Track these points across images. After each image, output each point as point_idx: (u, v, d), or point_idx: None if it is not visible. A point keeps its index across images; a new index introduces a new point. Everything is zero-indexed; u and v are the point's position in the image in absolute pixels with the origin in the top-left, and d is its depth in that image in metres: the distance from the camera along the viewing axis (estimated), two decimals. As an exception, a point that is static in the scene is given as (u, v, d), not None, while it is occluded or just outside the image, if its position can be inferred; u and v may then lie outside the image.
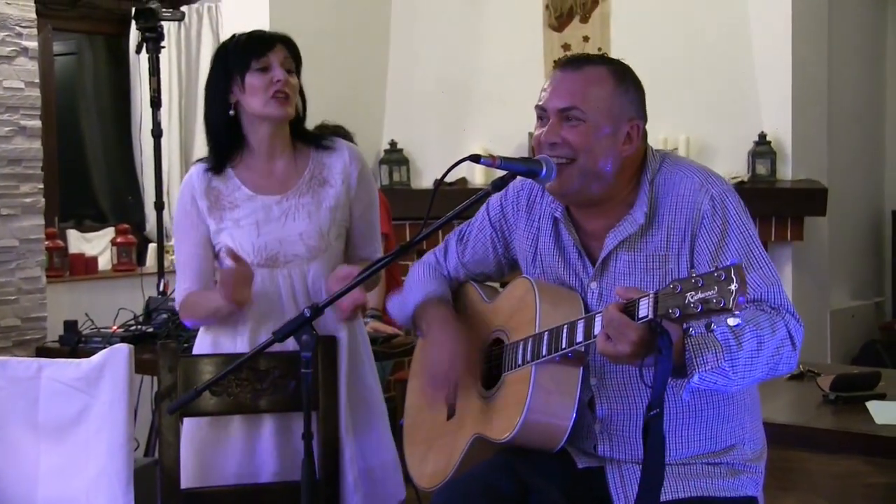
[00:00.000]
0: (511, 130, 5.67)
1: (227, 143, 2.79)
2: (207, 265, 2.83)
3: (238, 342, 2.78)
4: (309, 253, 2.77)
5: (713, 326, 1.80)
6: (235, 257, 2.64)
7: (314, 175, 2.81)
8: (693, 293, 1.76)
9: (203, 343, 2.86)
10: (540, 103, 2.19)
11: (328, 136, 2.89)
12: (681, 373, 1.94)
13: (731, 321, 1.74)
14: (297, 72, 2.79)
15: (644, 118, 2.21)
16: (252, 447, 2.79)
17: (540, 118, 2.20)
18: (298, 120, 2.84)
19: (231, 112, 2.75)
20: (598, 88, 2.14)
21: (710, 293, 1.74)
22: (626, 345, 1.88)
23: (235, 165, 2.80)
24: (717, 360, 1.93)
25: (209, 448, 2.80)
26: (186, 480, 2.76)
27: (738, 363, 1.95)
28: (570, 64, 2.20)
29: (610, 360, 2.00)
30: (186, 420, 2.77)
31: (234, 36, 2.82)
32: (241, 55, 2.74)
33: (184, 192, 2.83)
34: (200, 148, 5.30)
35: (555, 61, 2.34)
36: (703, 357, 1.93)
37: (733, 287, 1.72)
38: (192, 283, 2.82)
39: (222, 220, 2.77)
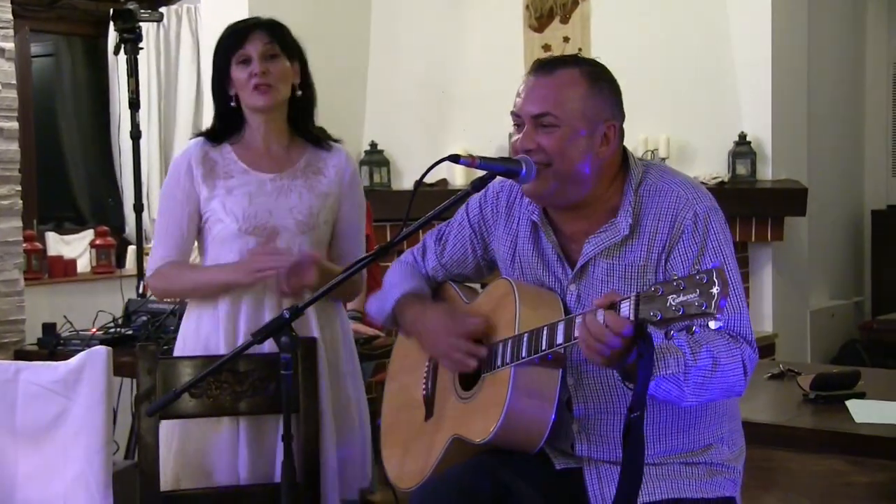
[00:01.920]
0: (492, 131, 5.66)
1: (230, 123, 2.84)
2: (190, 238, 2.84)
3: (220, 317, 2.78)
4: (297, 227, 2.79)
5: (672, 333, 1.80)
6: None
7: (309, 164, 2.86)
8: (674, 296, 1.76)
9: (189, 322, 2.87)
10: (514, 110, 2.18)
11: (327, 141, 2.92)
12: (633, 377, 1.94)
13: (713, 324, 1.74)
14: (289, 54, 2.80)
15: (621, 118, 2.20)
16: (232, 449, 2.78)
17: (516, 124, 2.19)
18: (300, 108, 2.86)
19: (233, 103, 2.80)
20: (571, 91, 2.13)
21: (692, 296, 1.74)
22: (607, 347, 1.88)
23: (234, 143, 2.85)
24: (678, 367, 1.95)
25: (190, 451, 2.80)
26: (167, 483, 2.75)
27: (690, 376, 1.98)
28: (542, 68, 2.18)
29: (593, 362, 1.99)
30: (166, 423, 2.76)
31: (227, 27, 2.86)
32: (223, 50, 2.79)
33: (179, 160, 2.86)
34: (180, 149, 5.28)
35: (532, 64, 2.32)
36: (665, 362, 1.94)
37: (715, 290, 1.71)
38: (170, 252, 2.83)
39: (215, 188, 2.80)
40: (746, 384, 2.09)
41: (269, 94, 2.75)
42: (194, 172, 2.81)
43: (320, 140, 2.90)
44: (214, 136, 2.85)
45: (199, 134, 2.91)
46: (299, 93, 2.84)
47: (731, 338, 2.07)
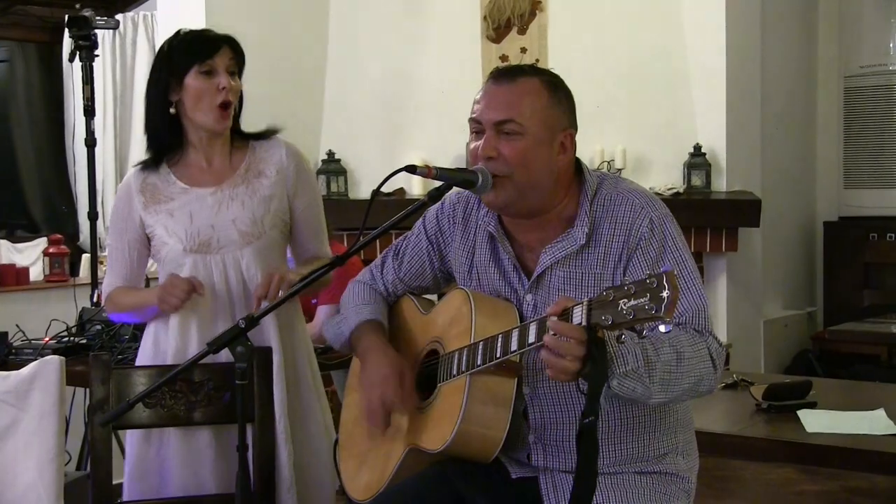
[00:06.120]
0: (450, 141, 5.67)
1: (166, 140, 2.79)
2: (136, 264, 2.86)
3: (170, 331, 2.77)
4: (242, 239, 2.76)
5: (644, 333, 1.81)
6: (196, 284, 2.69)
7: (250, 167, 2.83)
8: (626, 300, 1.78)
9: (147, 334, 2.87)
10: (474, 116, 2.19)
11: (267, 131, 2.89)
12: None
13: (663, 328, 1.76)
14: (240, 72, 2.79)
15: (575, 127, 2.22)
16: (188, 459, 2.76)
17: (475, 131, 2.19)
18: (234, 118, 2.83)
19: (172, 110, 2.75)
20: (534, 100, 2.15)
21: (643, 300, 1.75)
22: (574, 361, 1.87)
23: (173, 164, 2.81)
24: (637, 365, 1.95)
25: (147, 461, 2.78)
26: (125, 494, 2.73)
27: (655, 371, 1.97)
28: (503, 76, 2.19)
29: (551, 376, 1.98)
30: (127, 433, 2.74)
31: (178, 32, 2.80)
32: (185, 55, 2.73)
33: (121, 192, 2.86)
34: (136, 157, 5.24)
35: (491, 72, 2.33)
36: (623, 359, 1.94)
37: (665, 294, 1.73)
38: (117, 279, 2.86)
39: (157, 213, 2.78)
40: (718, 377, 2.09)
41: (228, 115, 2.74)
42: (134, 203, 2.80)
43: (258, 136, 2.86)
44: (153, 160, 2.82)
45: (137, 164, 2.88)
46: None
47: (697, 332, 2.09)
